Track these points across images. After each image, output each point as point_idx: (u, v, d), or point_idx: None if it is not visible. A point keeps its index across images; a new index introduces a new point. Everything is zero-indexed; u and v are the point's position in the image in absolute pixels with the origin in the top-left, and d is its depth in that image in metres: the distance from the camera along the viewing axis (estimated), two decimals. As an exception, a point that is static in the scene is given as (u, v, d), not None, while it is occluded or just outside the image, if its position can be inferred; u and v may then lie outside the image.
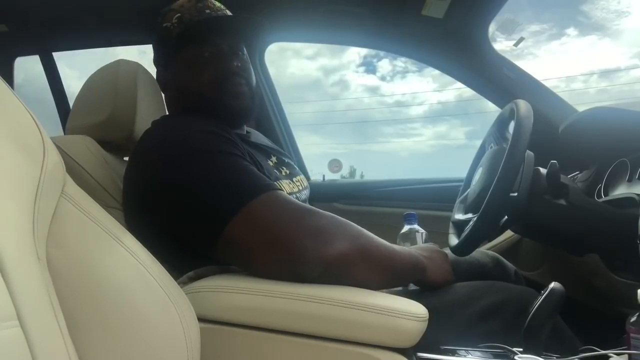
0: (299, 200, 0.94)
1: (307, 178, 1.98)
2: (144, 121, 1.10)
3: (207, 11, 1.01)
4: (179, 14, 1.00)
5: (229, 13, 1.05)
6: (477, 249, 1.15)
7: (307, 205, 0.82)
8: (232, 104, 0.97)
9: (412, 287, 0.93)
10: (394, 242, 1.09)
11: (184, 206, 0.79)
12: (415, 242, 1.07)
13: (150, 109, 1.14)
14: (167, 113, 1.08)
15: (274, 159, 1.04)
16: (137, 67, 1.15)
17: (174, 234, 0.81)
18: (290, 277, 0.73)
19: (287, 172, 1.04)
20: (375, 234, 0.83)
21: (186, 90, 1.00)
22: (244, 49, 1.05)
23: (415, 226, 1.11)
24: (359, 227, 0.81)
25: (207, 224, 0.77)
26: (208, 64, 0.97)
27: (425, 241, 1.08)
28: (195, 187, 0.78)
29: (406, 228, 1.11)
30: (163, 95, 1.10)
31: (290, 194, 0.94)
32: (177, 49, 1.00)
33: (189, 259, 0.82)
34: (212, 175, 0.78)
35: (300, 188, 1.04)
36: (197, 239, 0.79)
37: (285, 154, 1.15)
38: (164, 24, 1.01)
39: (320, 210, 0.80)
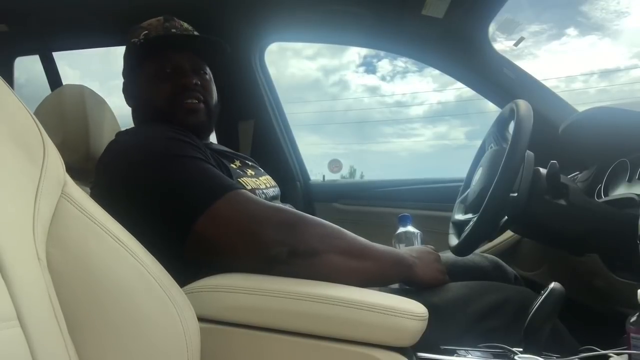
0: (266, 196, 1.01)
1: (307, 179, 1.99)
2: (98, 139, 1.14)
3: (173, 30, 1.08)
4: (146, 31, 1.07)
5: (196, 34, 1.11)
6: (476, 253, 1.14)
7: (272, 203, 0.87)
8: (186, 119, 1.01)
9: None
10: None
11: (152, 209, 0.81)
12: (411, 243, 1.07)
13: (102, 126, 1.17)
14: (133, 125, 1.12)
15: (237, 162, 1.08)
16: (82, 89, 1.18)
17: (144, 237, 0.82)
18: (259, 265, 0.77)
19: (252, 173, 1.09)
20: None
21: (146, 102, 1.05)
22: (207, 69, 1.11)
23: (410, 228, 1.11)
24: (327, 222, 0.85)
25: (175, 224, 0.80)
26: (168, 79, 1.03)
27: (421, 241, 1.08)
28: (161, 189, 0.81)
29: (401, 230, 1.11)
30: (130, 108, 1.14)
31: (255, 189, 0.99)
32: (142, 63, 1.06)
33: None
34: (177, 177, 0.82)
35: (268, 186, 1.08)
36: (166, 239, 0.80)
37: (250, 158, 1.21)
38: (132, 39, 1.08)
39: (286, 207, 0.85)
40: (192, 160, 0.85)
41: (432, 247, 0.99)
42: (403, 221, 1.12)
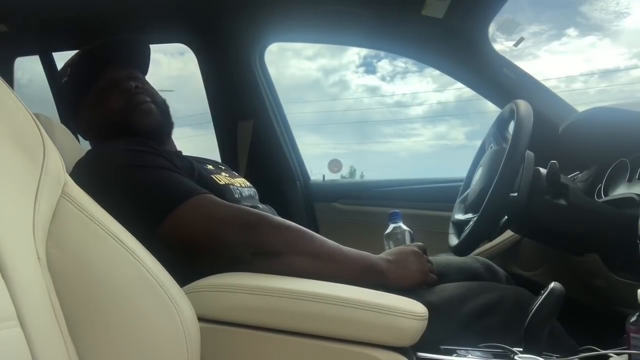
0: (241, 193, 1.05)
1: (307, 179, 1.99)
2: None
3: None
4: (70, 67, 1.12)
5: (114, 40, 1.18)
6: (467, 255, 1.14)
7: (237, 205, 0.90)
8: (145, 122, 1.05)
9: None
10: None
11: (121, 218, 0.81)
12: (401, 241, 1.07)
13: (63, 147, 1.18)
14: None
15: (209, 166, 1.12)
16: (37, 116, 1.19)
17: None
18: (224, 264, 0.79)
19: (226, 175, 1.12)
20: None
21: (102, 124, 1.08)
22: (140, 74, 1.15)
23: (400, 225, 1.11)
24: (296, 224, 0.87)
25: (143, 231, 0.79)
26: (111, 92, 1.07)
27: (412, 240, 1.08)
28: (127, 199, 0.83)
29: (391, 227, 1.11)
30: (88, 141, 1.17)
31: (229, 184, 1.03)
32: (80, 94, 1.09)
33: None
34: (140, 186, 0.86)
35: (243, 185, 1.11)
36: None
37: (223, 164, 1.25)
38: (62, 80, 1.13)
39: (250, 209, 0.88)
40: (155, 170, 0.89)
41: (419, 244, 0.97)
42: (393, 218, 1.12)
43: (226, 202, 0.88)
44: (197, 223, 0.83)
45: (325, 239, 0.87)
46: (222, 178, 1.05)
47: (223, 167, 1.18)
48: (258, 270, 0.79)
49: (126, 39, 1.17)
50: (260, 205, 1.08)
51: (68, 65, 1.13)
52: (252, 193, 1.13)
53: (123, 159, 0.90)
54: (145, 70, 1.19)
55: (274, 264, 0.80)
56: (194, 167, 0.99)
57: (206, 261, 0.82)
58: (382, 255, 0.90)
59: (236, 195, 1.02)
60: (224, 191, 0.99)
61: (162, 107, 1.11)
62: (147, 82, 1.15)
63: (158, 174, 0.88)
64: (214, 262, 0.81)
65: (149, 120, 1.06)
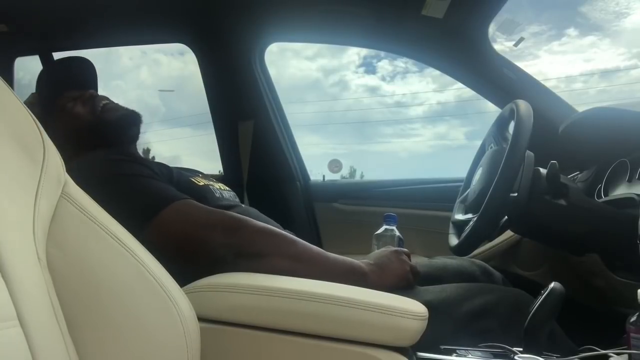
0: (221, 195, 1.07)
1: (307, 179, 1.99)
2: None
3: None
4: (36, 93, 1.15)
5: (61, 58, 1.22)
6: (464, 258, 1.14)
7: (218, 209, 0.91)
8: (115, 116, 1.09)
9: None
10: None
11: None
12: (388, 244, 1.08)
13: None
14: None
15: (188, 173, 1.13)
16: None
17: None
18: (208, 266, 0.80)
19: (204, 179, 1.13)
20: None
21: (76, 137, 1.08)
22: (91, 90, 1.18)
23: (394, 228, 1.11)
24: (278, 229, 0.89)
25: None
26: (75, 103, 1.10)
27: (398, 244, 1.08)
28: (108, 207, 0.82)
29: (382, 228, 1.12)
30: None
31: (208, 184, 1.06)
32: (48, 118, 1.09)
33: None
34: (123, 193, 0.87)
35: (222, 188, 1.12)
36: None
37: (202, 172, 1.26)
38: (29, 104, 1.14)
39: (232, 213, 0.90)
40: (135, 177, 0.91)
41: (400, 249, 0.95)
42: (387, 220, 1.13)
43: (207, 206, 0.90)
44: (180, 227, 0.85)
45: (307, 243, 0.88)
46: (200, 180, 1.07)
47: (200, 174, 1.20)
48: (242, 271, 0.80)
49: (75, 59, 1.20)
50: (243, 206, 1.08)
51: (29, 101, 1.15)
52: (232, 196, 1.14)
53: (103, 168, 0.92)
54: (96, 88, 1.22)
55: (257, 266, 0.81)
56: (172, 172, 1.01)
57: (191, 263, 0.82)
58: (363, 260, 0.91)
59: (217, 195, 1.04)
60: (204, 191, 1.01)
61: (119, 107, 1.14)
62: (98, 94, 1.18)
63: (138, 181, 0.90)
64: (198, 264, 0.82)
65: (119, 114, 1.09)
